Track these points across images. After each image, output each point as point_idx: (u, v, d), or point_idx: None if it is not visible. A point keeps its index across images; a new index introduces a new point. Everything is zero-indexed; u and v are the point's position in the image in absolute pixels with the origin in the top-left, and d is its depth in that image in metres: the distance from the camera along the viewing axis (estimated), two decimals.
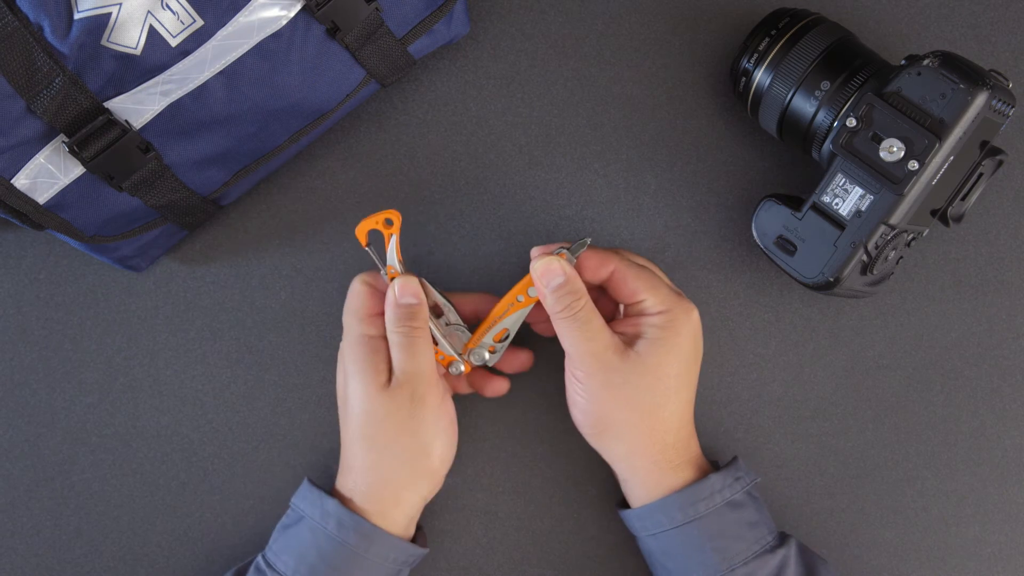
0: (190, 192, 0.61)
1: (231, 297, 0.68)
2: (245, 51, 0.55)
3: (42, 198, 0.56)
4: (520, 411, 0.66)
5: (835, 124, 0.58)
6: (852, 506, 0.66)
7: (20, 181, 0.55)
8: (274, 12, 0.55)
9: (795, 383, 0.66)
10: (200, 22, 0.53)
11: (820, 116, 0.59)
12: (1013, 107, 0.57)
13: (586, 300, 0.57)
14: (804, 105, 0.59)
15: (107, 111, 0.54)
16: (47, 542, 0.67)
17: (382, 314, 0.59)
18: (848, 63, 0.59)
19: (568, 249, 0.59)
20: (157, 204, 0.60)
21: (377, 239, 0.60)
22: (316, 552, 0.58)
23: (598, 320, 0.57)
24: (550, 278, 0.57)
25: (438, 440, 0.59)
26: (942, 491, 0.66)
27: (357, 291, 0.60)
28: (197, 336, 0.67)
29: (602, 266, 0.59)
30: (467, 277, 0.67)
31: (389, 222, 0.59)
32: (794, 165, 0.67)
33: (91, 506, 0.67)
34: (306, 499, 0.60)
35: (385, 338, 0.59)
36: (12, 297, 0.68)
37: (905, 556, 0.65)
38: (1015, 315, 0.66)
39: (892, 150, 0.56)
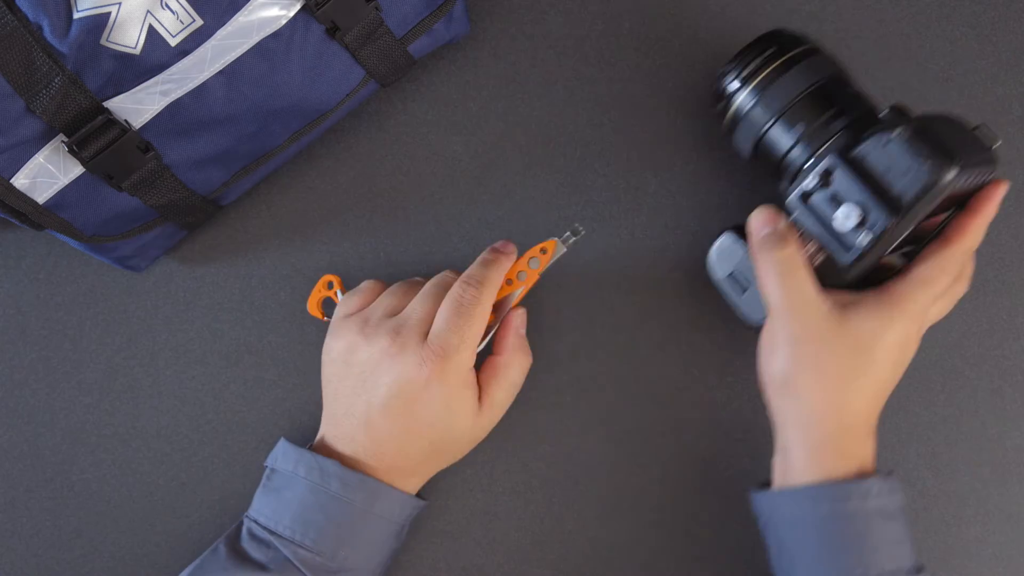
0: (190, 192, 0.61)
1: (231, 297, 0.68)
2: (245, 51, 0.55)
3: (41, 198, 0.56)
4: (521, 411, 0.66)
5: (806, 164, 0.57)
6: None
7: (19, 181, 0.55)
8: (273, 12, 0.55)
9: None
10: (199, 22, 0.53)
11: (795, 152, 0.57)
12: (994, 171, 0.55)
13: (792, 248, 0.55)
14: (782, 137, 0.58)
15: (106, 111, 0.54)
16: (47, 542, 0.67)
17: None
18: (833, 103, 0.57)
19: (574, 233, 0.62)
20: (156, 204, 0.60)
21: (329, 304, 0.64)
22: (322, 514, 0.57)
23: (804, 273, 0.55)
24: (763, 225, 0.56)
25: (484, 428, 0.61)
26: (943, 491, 0.66)
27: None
28: (197, 336, 0.67)
29: (993, 203, 0.57)
30: None
31: (331, 285, 0.63)
32: None
33: (91, 506, 0.67)
34: (296, 460, 0.59)
35: None
36: (12, 297, 0.68)
37: None
38: (1015, 315, 0.66)
39: (848, 217, 0.53)
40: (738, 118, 0.59)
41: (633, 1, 0.68)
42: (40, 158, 0.55)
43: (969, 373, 0.66)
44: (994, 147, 0.56)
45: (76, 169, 0.56)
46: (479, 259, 0.60)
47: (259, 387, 0.67)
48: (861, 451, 0.56)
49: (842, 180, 0.53)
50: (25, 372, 0.67)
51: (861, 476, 0.55)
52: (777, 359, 0.56)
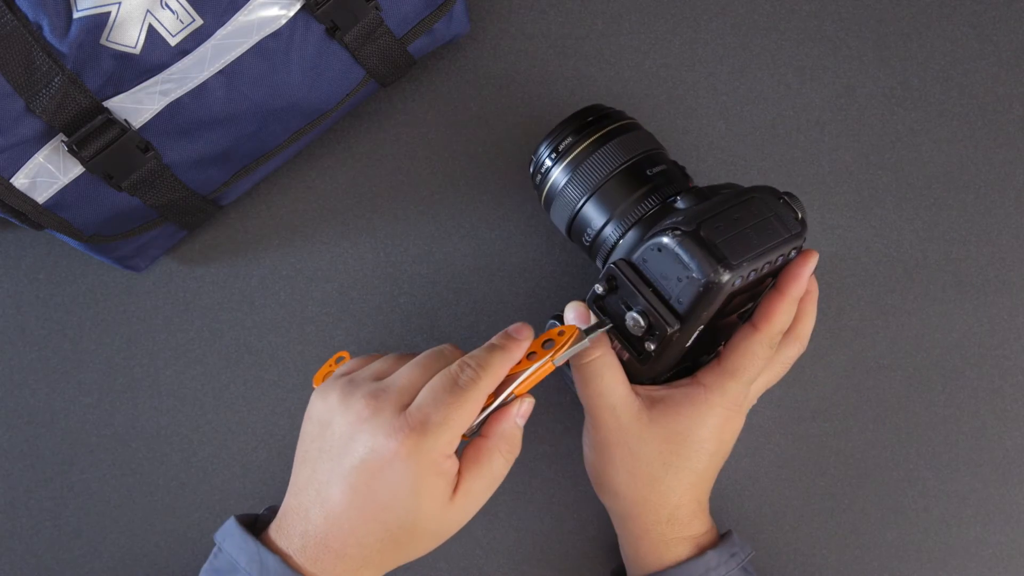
0: (189, 192, 0.61)
1: (231, 297, 0.68)
2: (244, 50, 0.55)
3: (41, 197, 0.56)
4: None
5: (619, 242, 0.55)
6: (853, 506, 0.66)
7: (19, 180, 0.55)
8: (273, 11, 0.55)
9: (795, 383, 0.66)
10: (199, 21, 0.53)
11: (608, 230, 0.56)
12: (801, 242, 0.52)
13: (602, 350, 0.54)
14: (594, 216, 0.56)
15: (106, 110, 0.54)
16: (46, 542, 0.67)
17: None
18: (645, 182, 0.55)
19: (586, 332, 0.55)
20: (156, 204, 0.60)
21: None
22: None
23: (612, 376, 0.54)
24: (574, 323, 0.54)
25: (454, 523, 0.53)
26: (943, 492, 0.66)
27: None
28: (196, 336, 0.67)
29: (799, 281, 0.53)
30: (466, 277, 0.67)
31: (341, 359, 0.58)
32: None
33: (90, 506, 0.67)
34: (240, 548, 0.53)
35: None
36: (12, 297, 0.68)
37: (906, 556, 0.65)
38: (1015, 315, 0.66)
39: (636, 324, 0.52)
40: (553, 195, 0.58)
41: (633, 1, 0.68)
42: (40, 158, 0.55)
43: (969, 373, 0.66)
44: (800, 216, 0.52)
45: (76, 169, 0.56)
46: (488, 343, 0.52)
47: (259, 387, 0.67)
48: (691, 531, 0.56)
49: (625, 287, 0.51)
50: (25, 372, 0.67)
51: (698, 552, 0.56)
52: (593, 458, 0.57)
